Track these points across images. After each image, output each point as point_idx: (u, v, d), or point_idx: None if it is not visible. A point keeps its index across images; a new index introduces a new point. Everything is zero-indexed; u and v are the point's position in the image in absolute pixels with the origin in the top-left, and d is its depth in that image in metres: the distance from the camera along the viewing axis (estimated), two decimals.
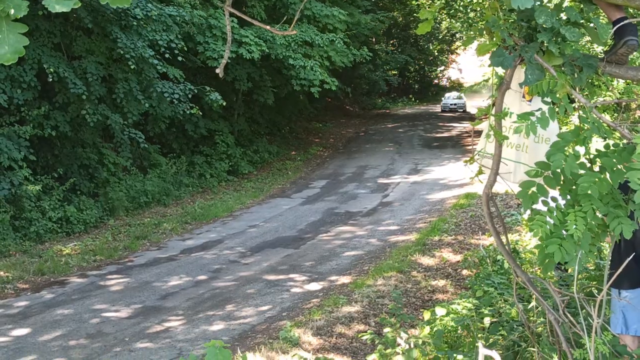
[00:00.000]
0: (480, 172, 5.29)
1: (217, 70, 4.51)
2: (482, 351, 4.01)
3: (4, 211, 15.51)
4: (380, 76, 47.43)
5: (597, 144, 5.33)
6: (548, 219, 4.01)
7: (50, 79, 16.99)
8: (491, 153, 5.04)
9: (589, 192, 3.83)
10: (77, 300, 12.24)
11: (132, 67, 18.34)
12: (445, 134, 36.92)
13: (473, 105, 46.40)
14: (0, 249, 14.81)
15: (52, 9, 2.91)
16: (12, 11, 2.91)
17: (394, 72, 52.96)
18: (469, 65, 57.80)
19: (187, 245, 16.24)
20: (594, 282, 7.20)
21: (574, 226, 3.83)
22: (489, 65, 4.65)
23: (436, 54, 58.96)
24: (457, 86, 62.51)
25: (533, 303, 6.77)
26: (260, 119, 30.48)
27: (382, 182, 23.89)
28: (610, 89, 15.40)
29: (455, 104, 52.42)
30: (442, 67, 63.03)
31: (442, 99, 54.88)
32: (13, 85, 16.38)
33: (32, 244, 15.66)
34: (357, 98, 47.33)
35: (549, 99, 4.21)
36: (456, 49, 59.73)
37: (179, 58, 20.09)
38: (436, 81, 63.50)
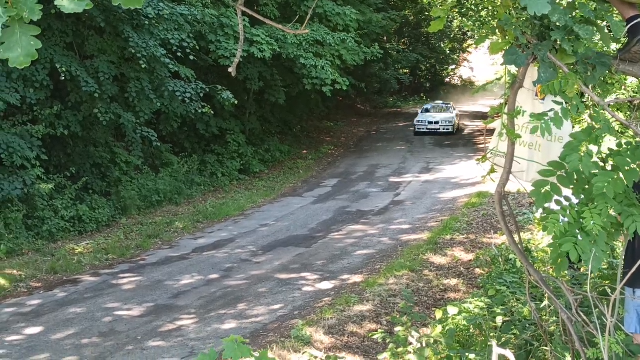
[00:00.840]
0: (492, 170, 5.28)
1: (230, 69, 4.52)
2: (496, 350, 4.00)
3: (17, 210, 15.58)
4: (392, 75, 46.84)
5: (609, 143, 5.31)
6: (562, 217, 4.01)
7: (63, 78, 17.05)
8: (504, 152, 5.03)
9: (605, 191, 3.82)
10: (89, 298, 12.29)
11: (143, 66, 18.38)
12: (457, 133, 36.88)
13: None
14: (14, 248, 14.88)
15: (65, 10, 2.91)
16: (26, 14, 2.91)
17: (405, 71, 52.22)
18: (480, 63, 56.81)
19: (199, 244, 16.27)
20: (607, 281, 7.17)
21: (592, 222, 3.82)
22: (502, 64, 4.65)
23: (448, 52, 58.65)
24: (468, 85, 61.45)
25: (546, 302, 6.76)
26: (271, 118, 30.49)
27: (394, 181, 23.87)
28: (623, 87, 15.34)
29: (436, 122, 36.12)
30: (454, 66, 62.70)
31: (419, 111, 39.04)
32: (26, 85, 16.45)
33: (44, 242, 15.73)
34: (368, 97, 47.01)
35: (559, 99, 4.21)
36: (468, 47, 59.53)
37: (191, 57, 20.12)
38: (448, 80, 63.16)
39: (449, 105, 38.92)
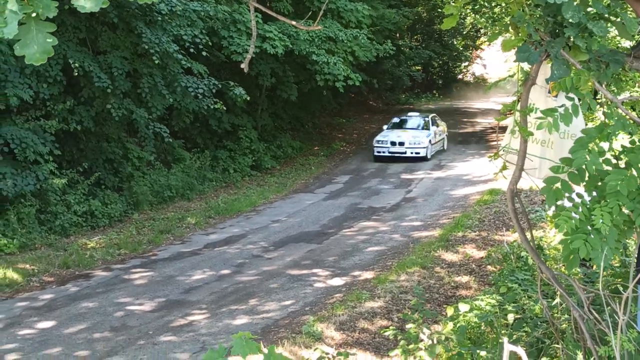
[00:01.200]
0: (504, 167, 5.28)
1: (242, 65, 4.53)
2: (508, 347, 3.99)
3: (29, 205, 15.66)
4: (404, 71, 46.49)
5: (623, 140, 5.29)
6: (573, 214, 4.00)
7: (76, 74, 17.12)
8: (516, 149, 5.03)
9: (618, 189, 3.81)
10: (101, 293, 12.35)
11: (156, 62, 18.44)
12: (469, 130, 36.72)
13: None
14: (26, 242, 14.97)
15: (83, 10, 2.93)
16: (42, 11, 2.93)
17: (417, 68, 51.98)
18: (493, 61, 56.50)
19: (211, 239, 16.31)
20: (620, 279, 7.16)
21: (601, 220, 3.81)
22: (515, 61, 4.65)
23: (460, 49, 58.43)
24: (481, 82, 61.07)
25: (557, 300, 6.75)
26: (283, 115, 30.48)
27: (406, 178, 23.84)
28: (638, 84, 15.28)
29: (401, 143, 27.00)
30: (467, 63, 62.50)
31: (385, 127, 29.55)
32: (39, 80, 16.52)
33: (57, 237, 15.82)
34: (380, 93, 46.81)
35: (572, 95, 4.20)
36: (481, 44, 59.30)
37: (203, 53, 20.16)
38: (460, 77, 62.96)
39: (427, 119, 29.21)
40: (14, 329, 10.65)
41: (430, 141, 27.35)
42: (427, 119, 29.16)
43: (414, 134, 27.59)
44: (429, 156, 27.00)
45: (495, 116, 24.53)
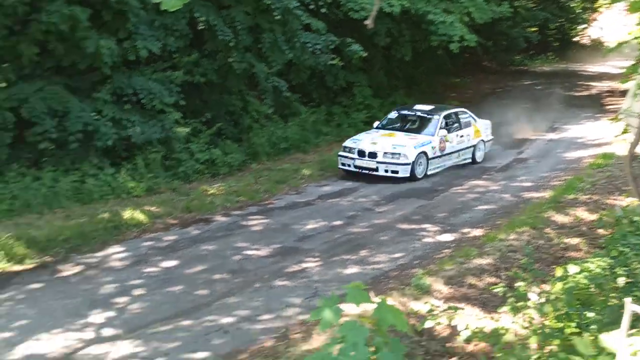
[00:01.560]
0: (625, 131, 5.39)
1: (367, 21, 4.71)
2: (631, 307, 4.07)
3: (156, 151, 16.42)
4: (520, 33, 45.58)
5: None
6: None
7: (202, 27, 17.67)
8: (637, 112, 5.12)
9: None
10: (220, 237, 12.96)
11: (277, 17, 18.78)
12: (585, 93, 35.75)
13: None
14: (152, 186, 15.69)
15: None
16: None
17: (533, 29, 50.64)
18: (611, 24, 54.33)
19: (324, 191, 16.73)
20: None
21: None
22: (638, 24, 4.74)
23: (578, 11, 56.54)
24: (598, 45, 58.75)
25: None
26: (398, 73, 30.41)
27: (517, 139, 23.54)
28: None
29: (373, 154, 17.60)
30: (584, 26, 60.39)
31: (376, 125, 19.79)
32: (167, 33, 17.15)
33: (180, 182, 16.45)
34: (495, 54, 46.01)
35: None
36: (599, 7, 57.20)
37: (322, 10, 20.39)
38: (576, 39, 60.91)
39: (437, 116, 19.20)
40: (140, 266, 11.36)
41: (425, 153, 18.06)
42: (437, 116, 19.19)
43: (397, 142, 18.10)
44: (419, 175, 17.84)
45: (612, 80, 23.77)
